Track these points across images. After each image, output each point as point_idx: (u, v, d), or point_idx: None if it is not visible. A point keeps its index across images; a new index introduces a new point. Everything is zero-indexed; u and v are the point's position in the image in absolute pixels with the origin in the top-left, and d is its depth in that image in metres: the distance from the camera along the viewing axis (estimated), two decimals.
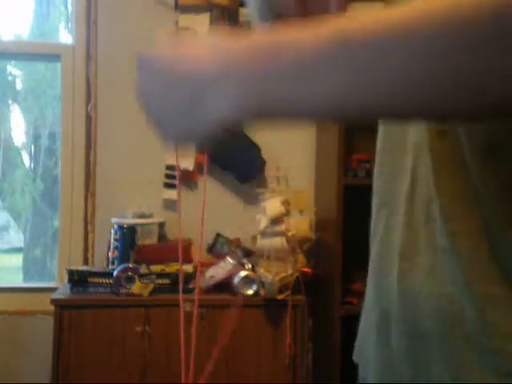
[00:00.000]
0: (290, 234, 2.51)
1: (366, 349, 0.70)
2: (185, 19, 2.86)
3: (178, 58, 0.54)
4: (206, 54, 0.50)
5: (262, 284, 2.46)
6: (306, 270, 2.58)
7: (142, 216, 2.73)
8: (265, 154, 2.88)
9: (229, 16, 2.87)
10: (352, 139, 2.68)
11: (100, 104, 2.89)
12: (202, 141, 0.52)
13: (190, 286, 2.53)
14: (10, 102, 3.49)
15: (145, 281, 2.46)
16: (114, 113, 2.90)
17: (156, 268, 2.51)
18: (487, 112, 0.42)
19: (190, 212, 2.94)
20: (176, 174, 2.84)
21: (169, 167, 2.86)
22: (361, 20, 0.44)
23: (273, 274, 2.43)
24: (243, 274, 2.48)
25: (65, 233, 2.91)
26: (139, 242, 2.62)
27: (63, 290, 2.55)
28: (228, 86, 0.47)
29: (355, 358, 0.72)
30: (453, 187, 0.55)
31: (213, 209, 2.79)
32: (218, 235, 2.82)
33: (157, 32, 0.63)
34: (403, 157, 0.62)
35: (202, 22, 2.86)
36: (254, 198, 2.71)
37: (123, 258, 2.56)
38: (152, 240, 2.69)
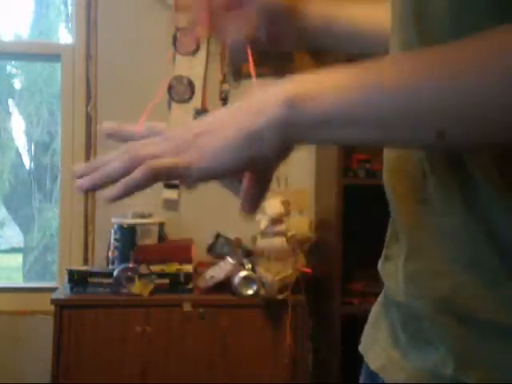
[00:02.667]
0: (289, 234, 2.51)
1: (369, 333, 0.70)
2: (185, 19, 2.85)
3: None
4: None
5: (262, 284, 2.46)
6: (306, 270, 2.58)
7: (142, 216, 2.73)
8: None
9: None
10: None
11: (100, 104, 2.89)
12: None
13: (190, 286, 2.53)
14: (9, 101, 3.49)
15: (145, 281, 2.46)
16: (114, 113, 2.90)
17: (156, 268, 2.51)
18: None
19: (190, 212, 2.94)
20: None
21: None
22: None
23: (273, 274, 2.43)
24: (243, 273, 2.48)
25: (65, 233, 2.91)
26: (139, 242, 2.62)
27: (63, 290, 2.55)
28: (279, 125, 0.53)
29: (360, 347, 0.72)
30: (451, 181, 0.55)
31: (213, 209, 2.79)
32: (218, 235, 2.82)
33: None
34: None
35: None
36: None
37: (123, 258, 2.56)
38: (152, 240, 2.69)
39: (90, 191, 0.63)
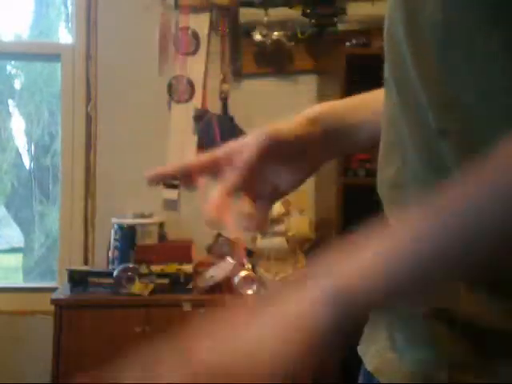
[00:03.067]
0: (290, 234, 2.51)
1: (367, 334, 0.70)
2: (185, 19, 2.86)
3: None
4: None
5: (262, 284, 2.46)
6: None
7: (142, 216, 2.73)
8: None
9: (229, 16, 2.87)
10: None
11: (100, 104, 2.89)
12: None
13: (190, 286, 2.53)
14: (9, 101, 3.49)
15: (145, 281, 2.46)
16: (114, 113, 2.90)
17: (156, 268, 2.51)
18: None
19: (190, 212, 2.94)
20: None
21: None
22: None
23: (273, 274, 2.43)
24: (243, 273, 2.47)
25: (65, 233, 2.91)
26: (139, 242, 2.62)
27: (63, 290, 2.55)
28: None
29: (359, 348, 0.72)
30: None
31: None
32: (218, 235, 2.82)
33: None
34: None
35: (201, 21, 2.86)
36: None
37: (123, 258, 2.56)
38: (152, 240, 2.69)
39: None
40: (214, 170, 0.67)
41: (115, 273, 2.46)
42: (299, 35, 2.83)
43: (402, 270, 0.46)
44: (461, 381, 0.54)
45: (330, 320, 0.46)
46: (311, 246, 2.71)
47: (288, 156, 0.69)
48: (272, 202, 0.72)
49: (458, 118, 0.52)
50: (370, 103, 0.73)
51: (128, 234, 2.60)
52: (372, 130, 0.71)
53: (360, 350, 0.71)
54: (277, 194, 0.72)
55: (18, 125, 3.61)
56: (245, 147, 0.66)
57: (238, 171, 0.65)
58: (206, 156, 0.68)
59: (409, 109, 0.57)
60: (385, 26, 0.60)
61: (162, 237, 2.76)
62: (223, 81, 2.89)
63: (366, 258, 0.47)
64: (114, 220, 2.68)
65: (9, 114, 3.50)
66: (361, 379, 0.72)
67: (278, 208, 2.49)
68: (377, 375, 0.64)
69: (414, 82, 0.54)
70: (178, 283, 2.51)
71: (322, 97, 2.93)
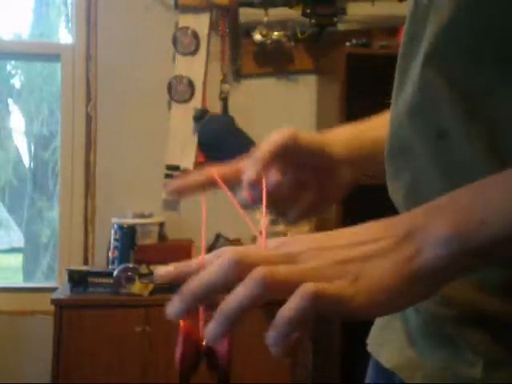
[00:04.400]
0: (289, 234, 2.51)
1: (380, 335, 0.70)
2: (185, 19, 2.86)
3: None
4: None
5: None
6: None
7: (142, 216, 2.73)
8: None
9: (229, 16, 2.87)
10: None
11: (100, 104, 2.89)
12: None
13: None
14: (9, 101, 3.49)
15: (145, 281, 2.46)
16: (114, 113, 2.90)
17: (156, 268, 2.51)
18: None
19: (190, 212, 2.94)
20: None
21: (169, 167, 2.86)
22: None
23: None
24: None
25: (65, 233, 2.91)
26: (139, 242, 2.62)
27: (63, 290, 2.55)
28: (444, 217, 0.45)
29: (369, 348, 0.72)
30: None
31: (213, 209, 2.78)
32: (218, 235, 2.82)
33: None
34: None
35: (201, 21, 2.86)
36: None
37: (123, 258, 2.56)
38: (152, 240, 2.69)
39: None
40: (237, 180, 0.65)
41: (115, 273, 2.46)
42: (299, 35, 2.83)
43: None
44: (495, 378, 0.54)
45: (442, 261, 0.45)
46: None
47: (308, 160, 0.68)
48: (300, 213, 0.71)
49: (482, 125, 0.52)
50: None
51: (128, 234, 2.60)
52: None
53: (372, 349, 0.71)
54: (306, 209, 0.71)
55: (17, 124, 3.61)
56: (261, 146, 0.66)
57: (252, 163, 0.64)
58: (230, 167, 0.68)
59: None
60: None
61: (162, 237, 2.76)
62: (223, 81, 2.89)
63: (491, 198, 0.45)
64: (114, 220, 2.68)
65: (8, 114, 3.50)
66: (372, 379, 0.72)
67: None
68: (398, 372, 0.64)
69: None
70: (178, 283, 2.51)
71: (322, 97, 2.93)
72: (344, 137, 0.72)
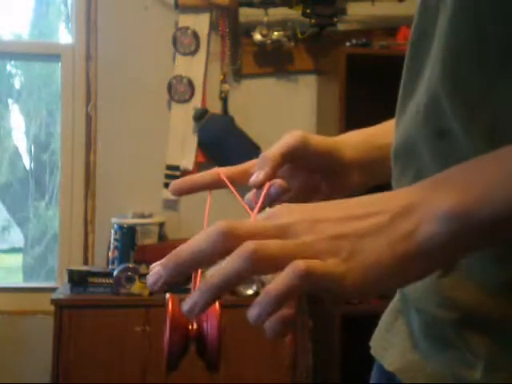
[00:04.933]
0: None
1: (384, 338, 0.70)
2: (185, 19, 2.86)
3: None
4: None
5: (262, 284, 2.45)
6: None
7: (142, 216, 2.73)
8: None
9: (229, 16, 2.87)
10: None
11: (100, 104, 2.89)
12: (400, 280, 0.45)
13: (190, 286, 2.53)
14: (9, 101, 3.49)
15: (145, 281, 2.45)
16: (114, 113, 2.90)
17: None
18: None
19: (190, 212, 2.94)
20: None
21: (169, 167, 2.86)
22: None
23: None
24: None
25: (65, 233, 2.91)
26: (139, 242, 2.62)
27: (63, 290, 2.55)
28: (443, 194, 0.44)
29: (373, 351, 0.71)
30: None
31: (213, 209, 2.78)
32: None
33: None
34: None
35: (201, 21, 2.86)
36: None
37: (123, 258, 2.56)
38: (152, 240, 2.69)
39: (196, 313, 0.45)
40: (244, 181, 0.65)
41: (115, 273, 2.46)
42: (299, 35, 2.83)
43: None
44: (495, 380, 0.54)
45: (442, 237, 0.43)
46: None
47: (318, 163, 0.68)
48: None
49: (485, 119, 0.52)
50: None
51: (128, 234, 2.60)
52: None
53: (375, 352, 0.71)
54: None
55: (17, 124, 3.61)
56: (272, 149, 0.65)
57: (261, 165, 0.62)
58: (237, 167, 0.67)
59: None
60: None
61: (162, 237, 2.76)
62: (223, 81, 2.89)
63: (490, 173, 0.44)
64: (114, 220, 2.68)
65: (8, 114, 3.50)
66: (376, 379, 0.72)
67: None
68: (399, 375, 0.64)
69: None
70: (178, 283, 2.51)
71: (322, 97, 2.93)
72: (354, 140, 0.72)
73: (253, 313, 0.43)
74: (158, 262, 0.49)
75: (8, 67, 3.47)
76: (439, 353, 0.59)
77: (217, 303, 0.50)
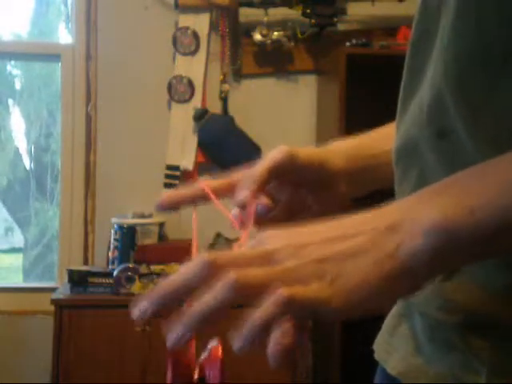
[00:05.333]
0: None
1: (388, 342, 0.69)
2: (185, 19, 2.86)
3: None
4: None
5: None
6: None
7: (142, 216, 2.73)
8: (265, 154, 2.88)
9: (229, 16, 2.87)
10: None
11: (100, 104, 2.89)
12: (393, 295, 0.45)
13: None
14: (9, 101, 3.49)
15: (145, 281, 2.46)
16: (114, 113, 2.90)
17: (156, 268, 2.51)
18: None
19: (190, 212, 2.94)
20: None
21: (169, 167, 2.86)
22: None
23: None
24: None
25: (65, 233, 2.91)
26: (139, 242, 2.62)
27: (63, 290, 2.55)
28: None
29: (376, 355, 0.71)
30: None
31: (213, 209, 2.78)
32: (218, 235, 2.82)
33: None
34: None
35: (201, 21, 2.86)
36: None
37: (123, 258, 2.56)
38: (152, 240, 2.69)
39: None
40: (229, 193, 0.65)
41: (115, 273, 2.46)
42: (299, 35, 2.83)
43: None
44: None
45: (426, 253, 0.42)
46: None
47: (305, 177, 0.67)
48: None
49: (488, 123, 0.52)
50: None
51: (128, 234, 2.61)
52: None
53: (378, 356, 0.71)
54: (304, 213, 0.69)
55: (17, 125, 3.61)
56: (258, 165, 0.64)
57: (246, 183, 0.62)
58: (222, 180, 0.67)
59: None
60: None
61: (162, 237, 2.76)
62: (223, 81, 2.89)
63: (477, 188, 0.43)
64: (114, 220, 2.68)
65: (8, 114, 3.50)
66: (379, 379, 0.72)
67: None
68: (402, 379, 0.64)
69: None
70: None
71: (322, 97, 2.93)
72: (344, 148, 0.71)
73: (237, 345, 0.42)
74: (144, 296, 0.48)
75: (8, 67, 3.47)
76: (442, 357, 0.59)
77: (219, 350, 0.50)
